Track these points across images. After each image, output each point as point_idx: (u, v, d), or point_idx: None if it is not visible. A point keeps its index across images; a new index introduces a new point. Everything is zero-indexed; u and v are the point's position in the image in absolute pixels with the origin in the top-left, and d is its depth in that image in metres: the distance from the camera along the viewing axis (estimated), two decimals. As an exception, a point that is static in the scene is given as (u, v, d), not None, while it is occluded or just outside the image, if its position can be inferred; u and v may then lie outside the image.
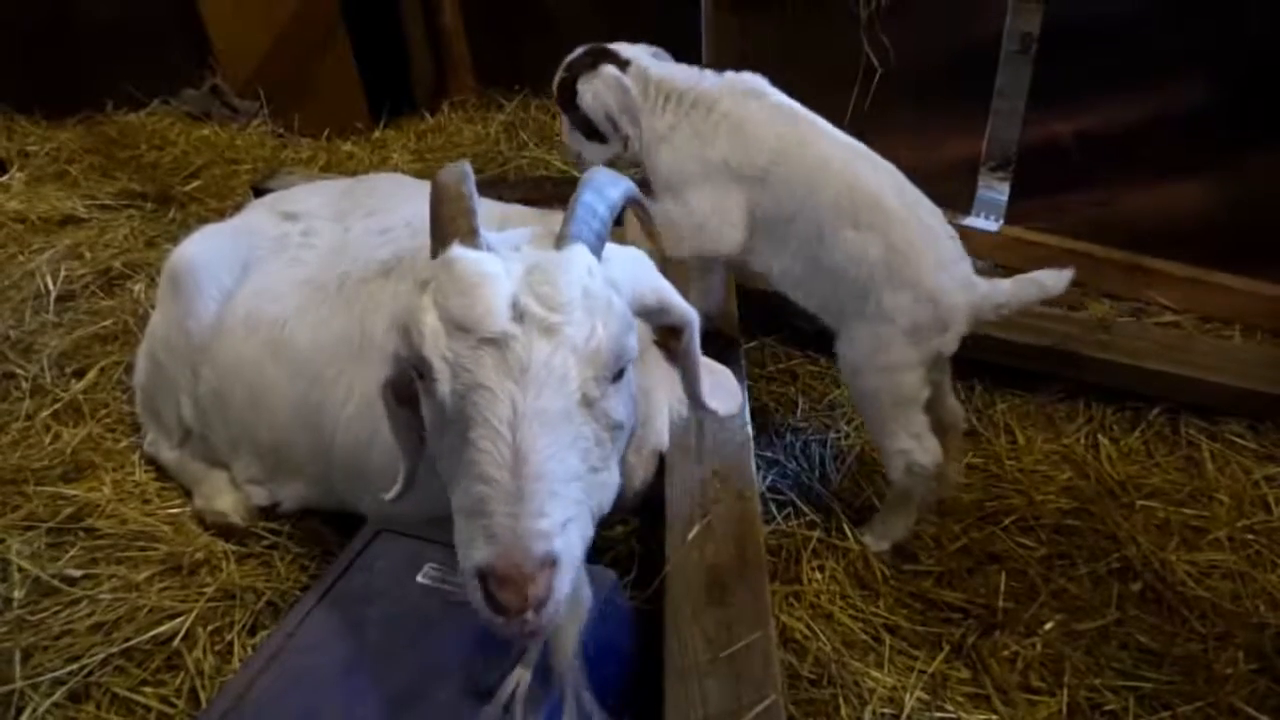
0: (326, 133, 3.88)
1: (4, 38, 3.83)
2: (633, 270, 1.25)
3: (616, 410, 1.14)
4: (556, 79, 2.02)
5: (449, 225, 1.16)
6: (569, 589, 1.03)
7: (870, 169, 1.77)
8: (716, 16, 3.20)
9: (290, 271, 1.93)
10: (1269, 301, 2.38)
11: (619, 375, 1.14)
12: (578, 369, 1.07)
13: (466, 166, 1.21)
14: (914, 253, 1.65)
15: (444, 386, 1.07)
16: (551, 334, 1.06)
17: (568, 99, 2.00)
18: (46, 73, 3.97)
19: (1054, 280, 1.64)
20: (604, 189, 1.25)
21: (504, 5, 4.03)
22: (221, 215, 2.94)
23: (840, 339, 1.77)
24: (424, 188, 2.17)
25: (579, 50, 2.01)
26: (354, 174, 3.44)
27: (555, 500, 1.03)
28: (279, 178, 3.01)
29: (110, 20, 3.92)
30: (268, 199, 2.25)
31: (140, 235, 3.11)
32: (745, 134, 1.81)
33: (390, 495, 1.36)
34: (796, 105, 1.91)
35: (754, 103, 1.87)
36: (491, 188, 2.16)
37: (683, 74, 1.95)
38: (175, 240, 2.25)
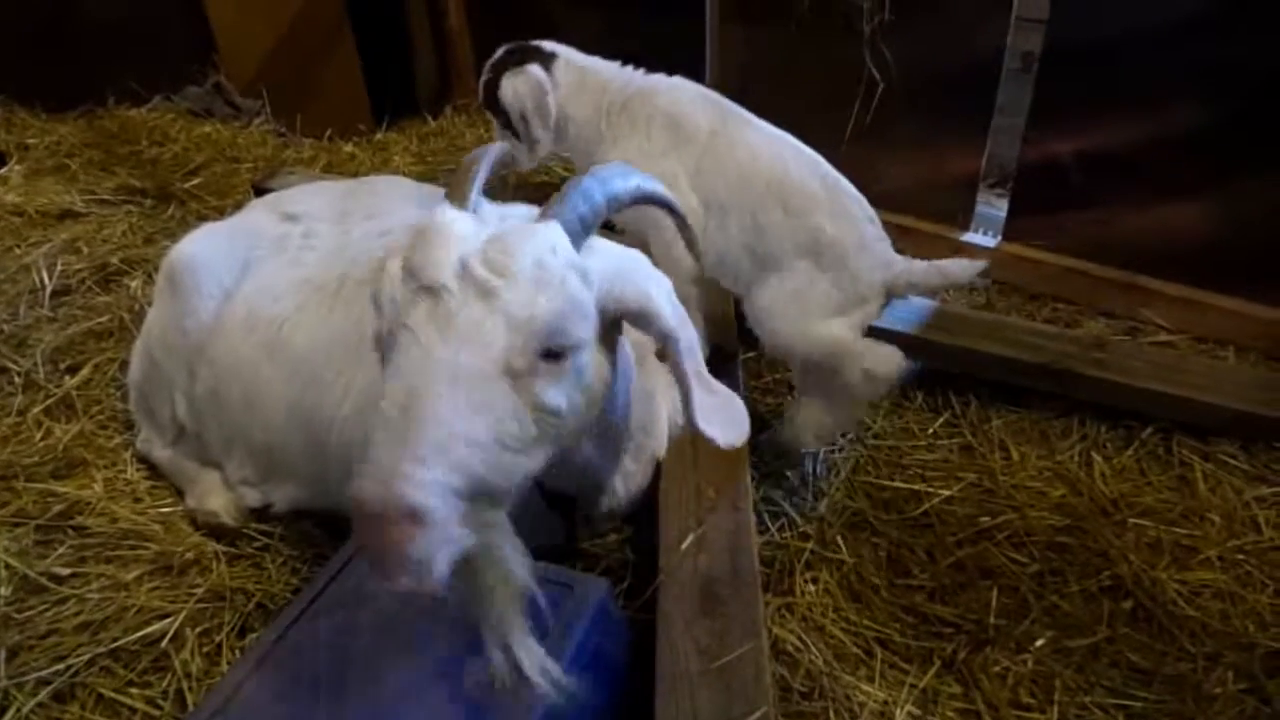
0: (328, 133, 3.87)
1: (7, 31, 3.82)
2: (617, 267, 1.24)
3: (550, 396, 1.12)
4: (482, 79, 2.06)
5: (452, 191, 1.22)
6: (439, 554, 1.00)
7: (795, 154, 1.88)
8: (720, 27, 3.22)
9: (290, 272, 1.92)
10: (1264, 324, 2.39)
11: (557, 358, 1.12)
12: (506, 336, 1.07)
13: (495, 147, 1.28)
14: (839, 235, 1.79)
15: (382, 325, 1.11)
16: (487, 297, 1.07)
17: (491, 99, 2.01)
18: (49, 66, 3.95)
19: (961, 270, 1.78)
20: (610, 179, 1.25)
21: (509, 10, 4.04)
22: (221, 214, 2.93)
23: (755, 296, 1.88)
24: (425, 190, 2.21)
25: (503, 49, 2.04)
26: (355, 175, 3.44)
27: (442, 457, 1.01)
28: (280, 177, 3.01)
29: (114, 16, 3.91)
30: (268, 198, 2.25)
31: (139, 231, 3.09)
32: (681, 129, 1.90)
33: None
34: (724, 100, 2.00)
35: (684, 95, 1.97)
36: (493, 193, 2.18)
37: (612, 69, 2.04)
38: (174, 237, 2.25)
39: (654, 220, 1.83)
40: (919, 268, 1.81)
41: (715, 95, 2.00)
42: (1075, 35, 2.47)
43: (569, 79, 2.03)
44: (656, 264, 1.34)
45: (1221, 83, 2.33)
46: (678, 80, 2.05)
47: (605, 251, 1.26)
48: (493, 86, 2.03)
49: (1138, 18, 2.37)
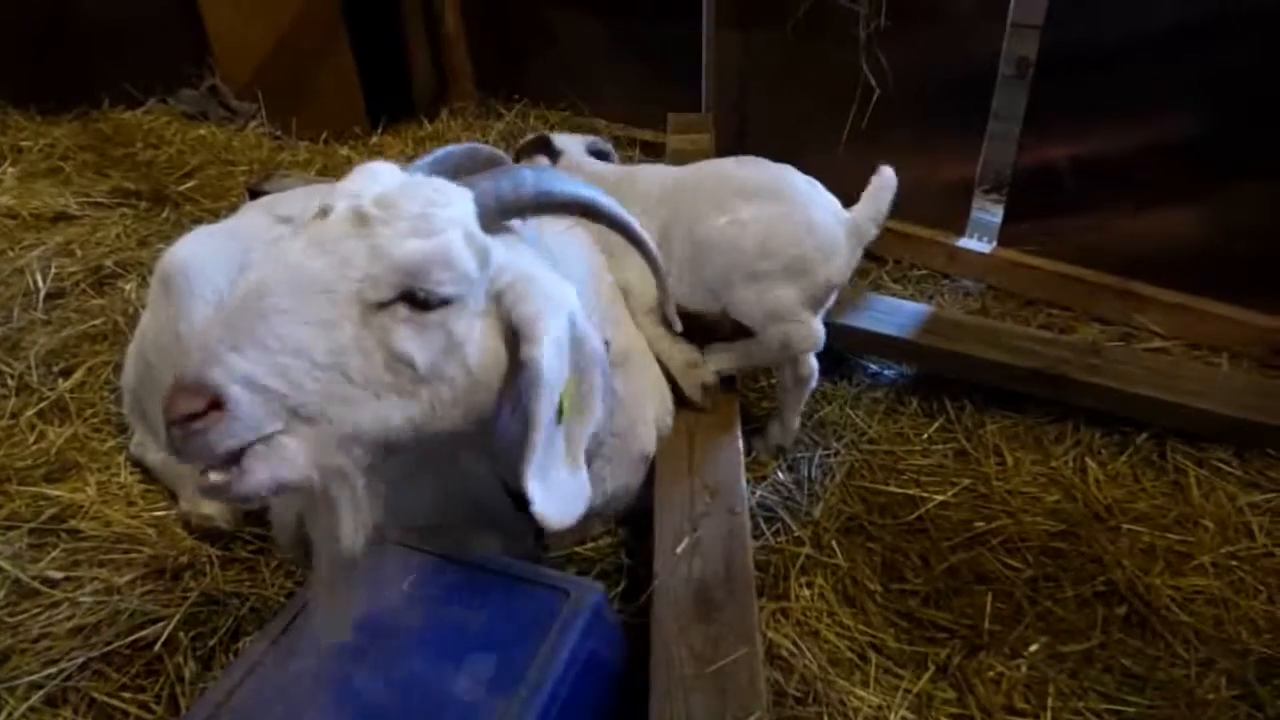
0: (324, 136, 3.88)
1: (2, 33, 3.82)
2: (530, 276, 1.21)
3: (405, 344, 1.11)
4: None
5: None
6: (227, 445, 1.01)
7: (773, 220, 1.92)
8: (717, 33, 3.23)
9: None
10: (1258, 331, 2.40)
11: (423, 307, 1.12)
12: (365, 263, 1.08)
13: (472, 146, 1.35)
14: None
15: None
16: (362, 223, 1.11)
17: None
18: (44, 69, 3.95)
19: (885, 181, 1.92)
20: (552, 180, 1.28)
21: (505, 15, 4.05)
22: (216, 216, 2.93)
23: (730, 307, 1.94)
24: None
25: (529, 136, 2.32)
26: (350, 179, 3.44)
27: (262, 352, 1.01)
28: (275, 180, 3.01)
29: (109, 18, 3.91)
30: (263, 201, 2.25)
31: (133, 234, 3.09)
32: (638, 190, 2.03)
33: None
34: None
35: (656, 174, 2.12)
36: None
37: (606, 166, 2.23)
38: (168, 240, 2.24)
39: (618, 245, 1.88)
40: (861, 207, 1.93)
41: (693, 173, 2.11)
42: (1070, 41, 2.48)
43: (572, 170, 2.19)
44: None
45: (1216, 89, 2.34)
46: (647, 169, 2.21)
47: (526, 260, 1.25)
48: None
49: (1133, 24, 2.39)
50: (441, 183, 1.20)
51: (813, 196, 1.92)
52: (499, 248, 1.22)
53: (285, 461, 1.05)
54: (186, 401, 0.99)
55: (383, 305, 1.10)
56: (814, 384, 2.06)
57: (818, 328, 1.92)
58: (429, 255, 1.11)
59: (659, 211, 1.97)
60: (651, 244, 1.51)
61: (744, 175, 1.96)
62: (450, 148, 1.40)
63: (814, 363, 2.04)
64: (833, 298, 2.00)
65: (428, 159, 1.35)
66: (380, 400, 1.11)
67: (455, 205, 1.16)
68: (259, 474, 1.03)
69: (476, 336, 1.18)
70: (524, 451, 1.16)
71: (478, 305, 1.18)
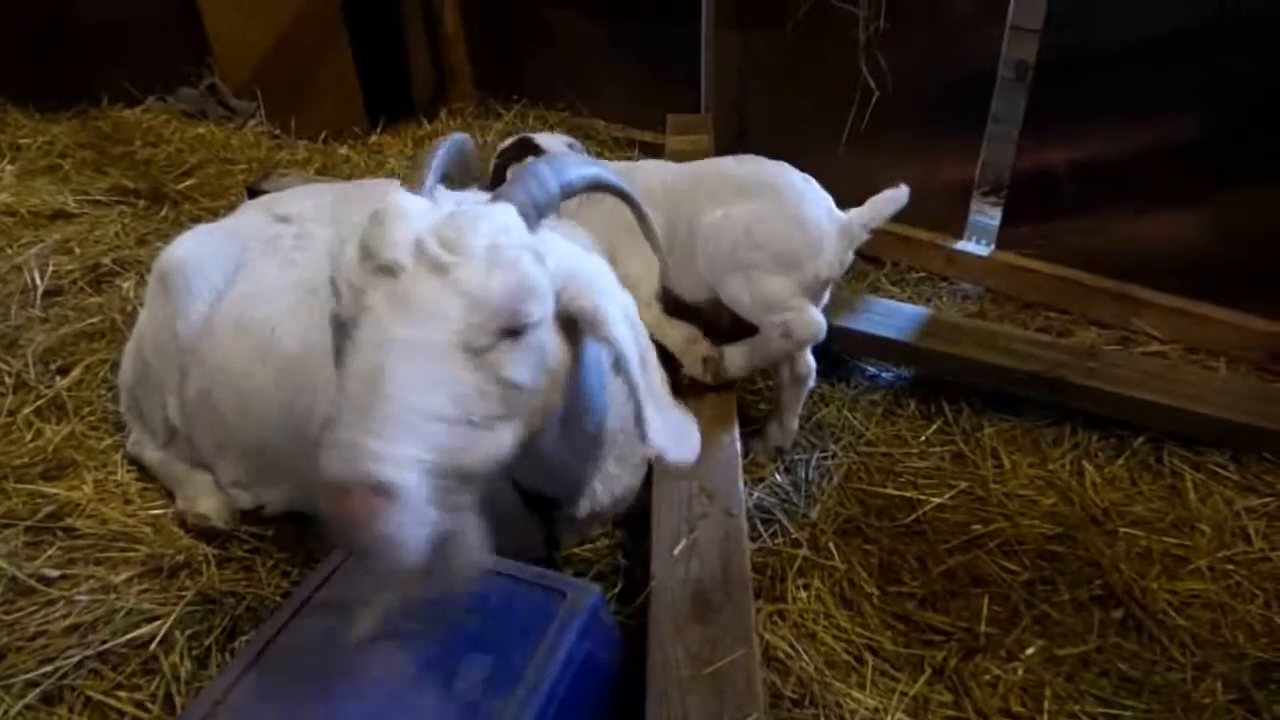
0: (323, 135, 3.87)
1: (2, 32, 3.81)
2: (575, 266, 1.26)
3: (513, 371, 1.13)
4: (491, 164, 2.31)
5: (409, 176, 1.26)
6: (414, 533, 1.00)
7: (761, 216, 1.95)
8: (716, 35, 3.23)
9: (282, 274, 1.92)
10: (1256, 335, 2.40)
11: (517, 335, 1.13)
12: (462, 311, 1.08)
13: (458, 136, 1.32)
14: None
15: (338, 307, 1.12)
16: (441, 272, 1.09)
17: (499, 183, 2.20)
18: (43, 67, 3.94)
19: (894, 196, 1.94)
20: (565, 168, 1.27)
21: (505, 15, 4.05)
22: (214, 215, 2.93)
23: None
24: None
25: (511, 140, 2.32)
26: (349, 178, 3.44)
27: (405, 431, 1.01)
28: (273, 179, 3.01)
29: (108, 17, 3.90)
30: (261, 200, 2.25)
31: (131, 232, 3.08)
32: (638, 186, 2.06)
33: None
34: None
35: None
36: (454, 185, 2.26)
37: (609, 164, 2.22)
38: (166, 239, 2.24)
39: (620, 241, 1.92)
40: (861, 211, 1.95)
41: (690, 171, 2.13)
42: (1070, 45, 2.48)
43: None
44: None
45: (1215, 93, 2.35)
46: (650, 164, 2.24)
47: (566, 250, 1.27)
48: (499, 170, 2.25)
49: (1132, 28, 2.39)
50: (486, 207, 1.17)
51: (806, 193, 1.95)
52: (544, 248, 1.23)
53: (430, 521, 1.04)
54: (364, 501, 0.96)
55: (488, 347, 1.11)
56: (812, 383, 2.07)
57: (816, 316, 1.93)
58: (516, 289, 1.12)
59: (662, 207, 1.99)
60: (650, 214, 1.53)
61: (743, 172, 2.00)
62: (439, 152, 1.36)
63: (811, 361, 2.05)
64: (828, 292, 2.01)
65: (433, 171, 1.32)
66: (496, 431, 1.14)
67: (514, 230, 1.16)
68: (417, 544, 1.01)
69: (549, 338, 1.22)
70: (639, 417, 1.26)
71: (549, 311, 1.21)
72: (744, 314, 1.94)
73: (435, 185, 1.29)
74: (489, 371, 1.10)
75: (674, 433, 1.32)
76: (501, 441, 1.15)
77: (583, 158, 1.35)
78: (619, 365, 1.26)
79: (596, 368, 1.44)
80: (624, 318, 1.28)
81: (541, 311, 1.16)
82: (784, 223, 1.89)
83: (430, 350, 1.06)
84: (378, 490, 0.97)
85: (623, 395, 1.59)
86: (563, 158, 1.29)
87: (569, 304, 1.23)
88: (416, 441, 1.01)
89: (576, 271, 1.25)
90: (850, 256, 1.97)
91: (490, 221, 1.13)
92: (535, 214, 1.21)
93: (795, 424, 2.13)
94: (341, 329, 1.14)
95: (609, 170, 1.38)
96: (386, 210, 1.14)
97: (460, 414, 1.07)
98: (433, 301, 1.07)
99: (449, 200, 1.22)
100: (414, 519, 1.00)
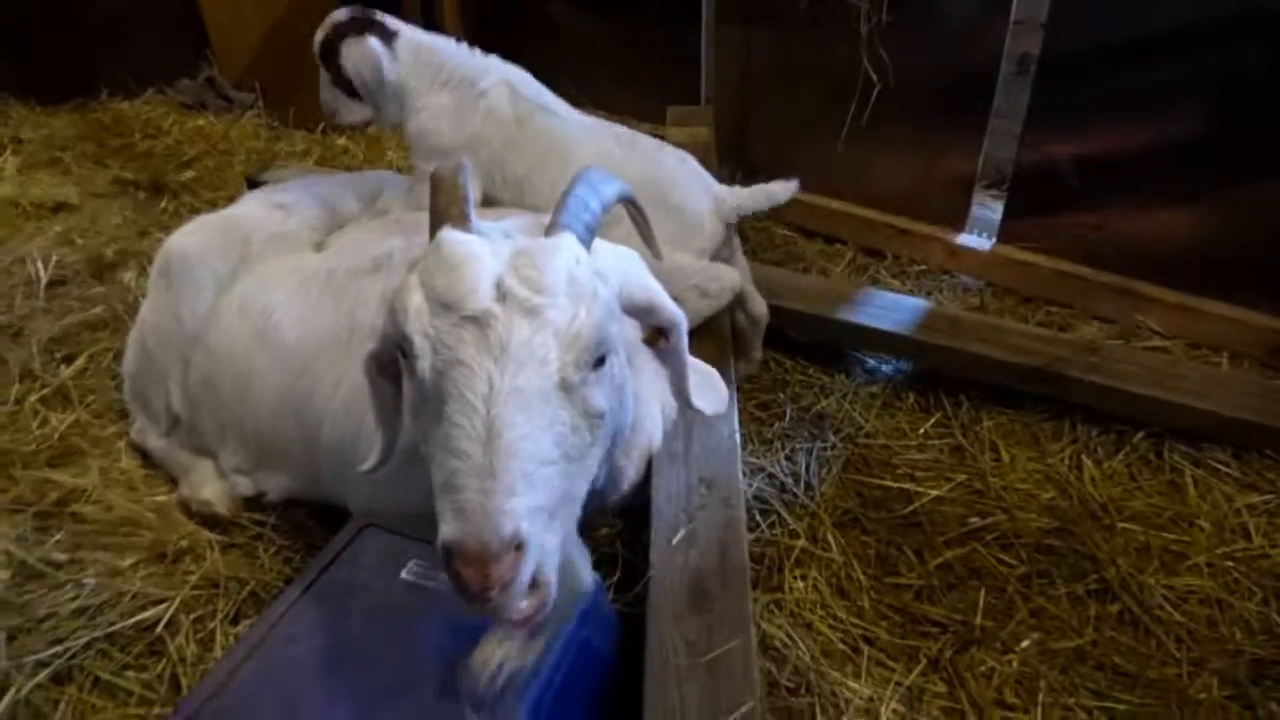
0: (321, 126, 3.87)
1: (2, 25, 3.81)
2: (623, 267, 1.27)
3: (597, 399, 1.14)
4: (319, 36, 2.13)
5: (443, 212, 1.20)
6: (544, 576, 1.03)
7: (591, 133, 2.09)
8: (718, 29, 3.23)
9: (281, 262, 1.93)
10: (1257, 331, 2.40)
11: (600, 363, 1.14)
12: (558, 351, 1.08)
13: (465, 162, 1.25)
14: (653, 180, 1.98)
15: (424, 363, 1.09)
16: (533, 315, 1.08)
17: (329, 57, 2.11)
18: (42, 59, 3.95)
19: (781, 190, 2.02)
20: (598, 185, 1.28)
21: (504, 10, 4.05)
22: (214, 206, 2.93)
23: None
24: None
25: (345, 11, 2.11)
26: (348, 169, 3.46)
27: (527, 482, 1.02)
28: (273, 170, 3.01)
29: (107, 9, 3.91)
30: (261, 191, 2.26)
31: (132, 224, 3.10)
32: (494, 116, 2.08)
33: (367, 466, 1.37)
34: (547, 95, 2.18)
35: (506, 90, 2.13)
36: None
37: (450, 47, 2.18)
38: (167, 230, 2.26)
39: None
40: (743, 192, 2.03)
41: (538, 89, 2.18)
42: (1073, 39, 2.48)
43: (408, 57, 2.13)
44: None
45: (1219, 88, 2.34)
46: (497, 64, 2.19)
47: (607, 251, 1.27)
48: (330, 44, 2.10)
49: (1136, 22, 2.38)
50: (553, 241, 1.16)
51: (679, 180, 2.02)
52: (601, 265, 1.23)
53: (551, 553, 1.07)
54: (509, 567, 0.98)
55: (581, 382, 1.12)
56: (767, 318, 2.21)
57: (722, 269, 2.01)
58: (601, 319, 1.12)
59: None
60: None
61: (621, 158, 2.06)
62: (461, 180, 1.24)
63: (762, 304, 2.18)
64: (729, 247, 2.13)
65: (470, 202, 1.23)
66: (586, 460, 1.16)
67: (578, 255, 1.15)
68: (524, 581, 1.02)
69: (617, 358, 1.23)
70: (682, 386, 1.39)
71: (624, 328, 1.25)
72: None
73: (477, 219, 1.23)
74: (580, 405, 1.12)
75: (706, 389, 1.45)
76: (591, 469, 1.19)
77: (604, 174, 1.33)
78: (666, 340, 1.34)
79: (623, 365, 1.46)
80: (665, 291, 1.32)
81: (618, 331, 1.18)
82: (661, 212, 1.90)
83: (536, 396, 1.06)
84: (518, 548, 0.99)
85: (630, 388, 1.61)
86: (592, 178, 1.28)
87: (626, 303, 1.25)
88: (537, 489, 1.03)
89: (626, 270, 1.26)
90: (723, 231, 2.07)
91: (564, 255, 1.13)
92: (588, 235, 1.21)
93: (759, 354, 2.31)
94: (415, 379, 1.11)
95: (623, 183, 1.38)
96: (451, 255, 1.10)
97: (563, 453, 1.09)
98: (528, 346, 1.06)
99: (495, 231, 1.20)
100: (548, 564, 1.04)
